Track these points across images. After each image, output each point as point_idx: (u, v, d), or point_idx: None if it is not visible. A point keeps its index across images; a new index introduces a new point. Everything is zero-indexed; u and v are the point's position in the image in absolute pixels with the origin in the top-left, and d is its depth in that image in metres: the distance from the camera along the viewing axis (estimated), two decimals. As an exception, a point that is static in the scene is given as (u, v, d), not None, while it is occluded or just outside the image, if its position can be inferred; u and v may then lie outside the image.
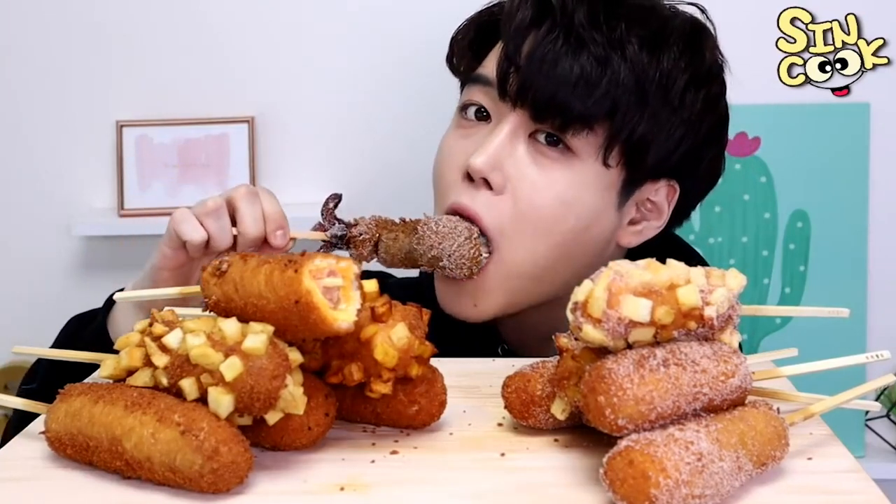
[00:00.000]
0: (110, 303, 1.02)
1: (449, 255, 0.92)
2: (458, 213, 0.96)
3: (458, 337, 1.04)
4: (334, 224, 0.92)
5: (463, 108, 1.02)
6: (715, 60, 1.03)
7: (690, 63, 0.98)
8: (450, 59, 1.08)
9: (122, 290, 1.03)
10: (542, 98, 0.94)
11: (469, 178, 0.97)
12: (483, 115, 1.00)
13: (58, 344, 1.03)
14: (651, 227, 1.04)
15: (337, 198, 0.93)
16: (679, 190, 1.03)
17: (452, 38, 1.07)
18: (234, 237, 0.93)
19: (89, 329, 1.01)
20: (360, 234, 0.91)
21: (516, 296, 0.99)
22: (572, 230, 0.97)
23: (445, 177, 1.00)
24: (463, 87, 1.07)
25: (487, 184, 0.96)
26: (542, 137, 0.97)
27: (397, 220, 0.97)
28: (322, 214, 0.94)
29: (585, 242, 0.99)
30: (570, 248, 0.98)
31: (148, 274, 0.97)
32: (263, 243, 0.94)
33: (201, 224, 0.92)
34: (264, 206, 0.94)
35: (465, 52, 1.05)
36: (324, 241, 0.94)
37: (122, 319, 0.99)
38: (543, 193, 0.96)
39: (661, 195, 1.03)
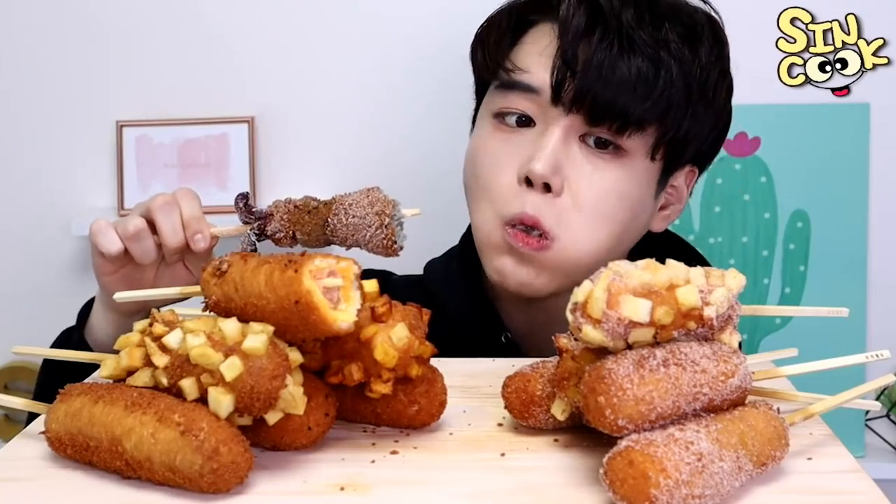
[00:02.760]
0: (84, 314, 1.04)
1: (364, 245, 0.89)
2: (523, 223, 0.97)
3: (461, 325, 1.06)
4: (252, 220, 0.91)
5: (500, 114, 1.01)
6: (729, 52, 1.06)
7: (719, 56, 1.02)
8: (475, 60, 1.07)
9: (90, 301, 1.04)
10: (601, 103, 0.95)
11: (527, 182, 0.97)
12: (523, 121, 1.00)
13: (49, 360, 1.05)
14: (675, 211, 1.09)
15: (244, 197, 0.92)
16: (697, 173, 1.08)
17: (479, 39, 1.07)
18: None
19: (72, 342, 1.03)
20: (276, 233, 0.90)
21: (573, 277, 0.98)
22: (625, 220, 1.00)
23: (498, 183, 0.99)
24: (482, 86, 1.07)
25: (546, 187, 0.96)
26: (591, 140, 0.98)
27: (311, 205, 0.91)
28: (239, 214, 0.92)
29: (632, 231, 1.03)
30: (623, 236, 1.01)
31: (98, 282, 0.99)
32: (188, 248, 0.93)
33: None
34: (183, 211, 0.93)
35: (496, 55, 1.04)
36: (250, 233, 0.91)
37: (97, 326, 1.01)
38: (600, 191, 0.98)
39: (680, 180, 1.07)
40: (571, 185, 0.97)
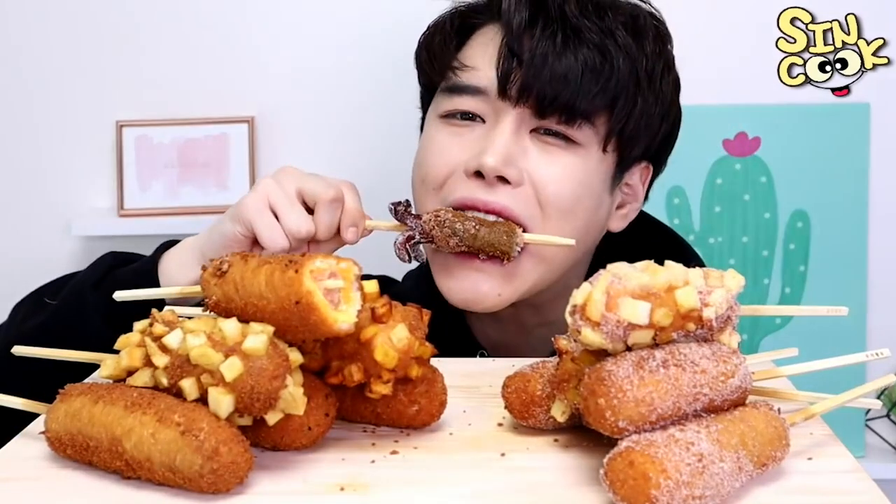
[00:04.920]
0: (161, 250, 1.00)
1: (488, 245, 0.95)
2: (477, 208, 0.96)
3: (434, 344, 1.04)
4: (414, 221, 0.97)
5: (447, 114, 1.01)
6: (672, 50, 1.06)
7: (662, 49, 1.02)
8: (421, 64, 1.07)
9: (175, 241, 1.00)
10: (548, 95, 0.95)
11: (477, 176, 0.96)
12: (469, 117, 1.00)
13: (89, 273, 0.99)
14: (633, 210, 1.08)
15: (406, 204, 0.98)
16: (651, 170, 1.07)
17: (424, 43, 1.06)
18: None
19: (129, 268, 0.99)
20: (432, 229, 0.96)
21: (539, 280, 1.00)
22: (587, 212, 1.00)
23: (442, 175, 0.99)
24: (429, 93, 1.06)
25: (503, 180, 0.96)
26: (542, 131, 0.98)
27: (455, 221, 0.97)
28: (398, 216, 0.97)
29: (592, 226, 1.02)
30: (584, 231, 1.00)
31: (218, 242, 0.94)
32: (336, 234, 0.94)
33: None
34: (346, 205, 0.93)
35: (442, 56, 1.03)
36: (407, 234, 0.97)
37: (176, 268, 0.96)
38: (560, 179, 0.97)
39: (636, 178, 1.06)
40: (532, 178, 0.97)
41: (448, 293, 1.00)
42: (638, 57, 0.98)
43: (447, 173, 0.99)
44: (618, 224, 1.07)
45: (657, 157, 1.07)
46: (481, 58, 1.00)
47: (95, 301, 0.94)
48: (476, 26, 1.03)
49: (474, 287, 0.98)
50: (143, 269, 0.97)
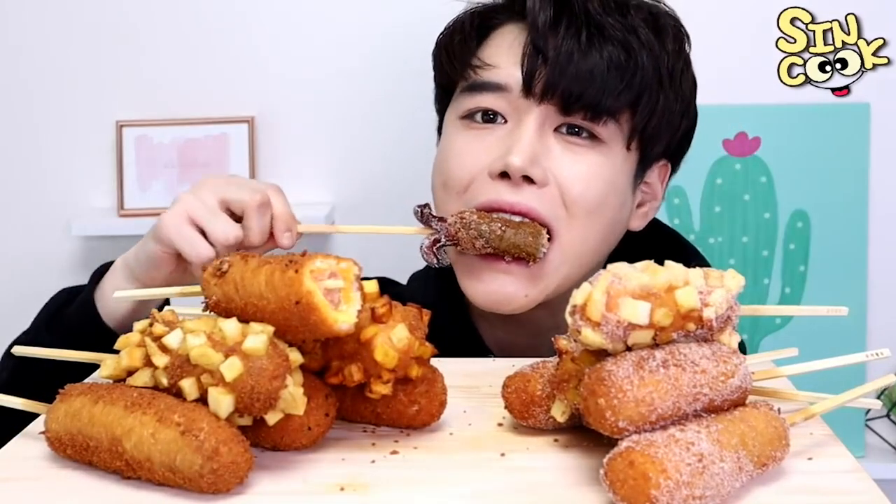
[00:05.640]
0: (97, 276, 1.00)
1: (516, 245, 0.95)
2: (503, 210, 0.96)
3: (441, 346, 1.04)
4: (439, 224, 0.97)
5: (468, 114, 1.01)
6: (688, 48, 1.06)
7: (681, 46, 1.03)
8: (439, 64, 1.07)
9: (110, 263, 1.01)
10: (573, 92, 0.95)
11: (503, 177, 0.96)
12: (490, 118, 1.00)
13: (42, 313, 1.01)
14: (653, 208, 1.08)
15: (427, 206, 0.99)
16: (670, 169, 1.08)
17: (443, 43, 1.06)
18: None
19: (76, 302, 0.99)
20: (458, 231, 0.96)
21: (565, 280, 1.00)
22: (612, 211, 1.00)
23: (465, 179, 0.99)
24: (446, 94, 1.06)
25: (528, 180, 0.96)
26: (564, 129, 0.98)
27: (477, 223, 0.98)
28: (423, 219, 0.97)
29: (617, 225, 1.02)
30: (609, 230, 1.01)
31: (144, 263, 0.94)
32: (270, 239, 0.93)
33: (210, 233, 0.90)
34: (274, 211, 0.93)
35: (462, 55, 1.03)
36: (433, 238, 0.97)
37: (111, 294, 0.95)
38: (586, 178, 0.97)
39: (654, 176, 1.06)
40: (557, 177, 0.96)
41: (474, 296, 1.00)
42: (660, 54, 0.98)
43: (470, 177, 0.98)
44: (638, 223, 1.07)
45: (675, 155, 1.07)
46: (502, 56, 1.00)
47: (50, 343, 0.93)
48: (495, 26, 1.03)
49: (501, 289, 0.98)
50: (84, 300, 0.98)
